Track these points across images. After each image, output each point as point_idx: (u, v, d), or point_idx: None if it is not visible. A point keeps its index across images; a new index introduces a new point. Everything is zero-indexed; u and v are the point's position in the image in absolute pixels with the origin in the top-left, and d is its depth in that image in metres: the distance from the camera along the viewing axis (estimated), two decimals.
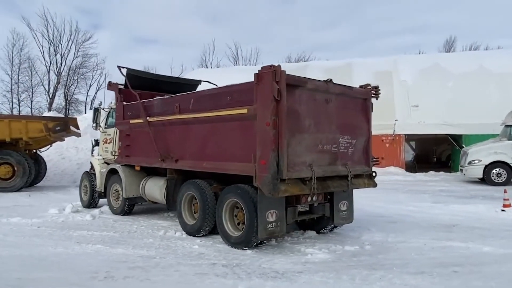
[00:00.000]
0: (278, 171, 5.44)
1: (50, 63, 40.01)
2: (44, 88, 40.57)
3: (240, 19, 65.74)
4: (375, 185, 7.01)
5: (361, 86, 6.96)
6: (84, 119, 23.31)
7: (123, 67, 9.21)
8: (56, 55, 39.67)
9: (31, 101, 40.86)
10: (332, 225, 7.08)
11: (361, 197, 12.73)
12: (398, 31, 75.22)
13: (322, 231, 7.15)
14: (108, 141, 9.93)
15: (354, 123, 6.64)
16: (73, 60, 39.59)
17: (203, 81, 10.71)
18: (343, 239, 6.77)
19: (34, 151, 16.75)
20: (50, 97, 39.79)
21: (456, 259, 5.54)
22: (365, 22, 69.08)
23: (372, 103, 6.98)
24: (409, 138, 23.45)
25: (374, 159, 6.98)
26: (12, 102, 40.41)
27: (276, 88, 5.37)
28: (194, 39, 70.42)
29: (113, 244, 6.27)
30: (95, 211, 9.38)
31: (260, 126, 5.55)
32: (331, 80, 6.23)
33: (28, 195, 13.21)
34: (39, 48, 40.04)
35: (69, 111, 39.88)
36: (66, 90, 40.13)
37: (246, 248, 5.95)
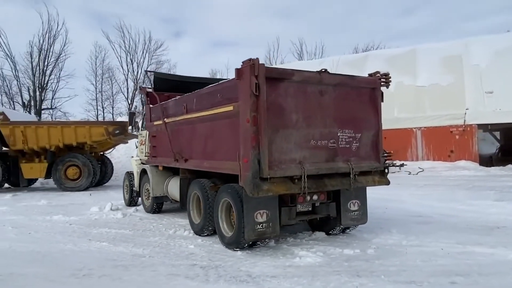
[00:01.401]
0: (259, 170, 5.19)
1: (128, 71, 43.29)
2: (124, 94, 44.09)
3: (307, 14, 64.60)
4: (387, 182, 6.37)
5: (370, 75, 6.38)
6: None
7: (150, 71, 9.57)
8: (132, 63, 42.80)
9: (112, 108, 44.68)
10: (341, 227, 6.57)
11: (413, 195, 11.85)
12: (484, 12, 67.89)
13: (331, 232, 6.69)
14: (143, 142, 10.40)
15: (358, 115, 6.09)
16: (147, 67, 42.37)
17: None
18: (350, 241, 6.27)
19: (101, 153, 18.23)
20: (129, 102, 43.18)
21: (467, 267, 4.82)
22: (444, 6, 63.59)
23: (382, 93, 6.34)
24: (492, 128, 21.08)
25: (386, 154, 6.33)
26: (97, 109, 44.55)
27: (254, 82, 5.12)
28: (260, 38, 70.92)
29: (119, 242, 6.51)
30: (132, 209, 9.89)
31: (242, 123, 5.35)
32: (325, 70, 5.79)
33: (89, 194, 14.35)
34: (117, 58, 43.56)
35: None
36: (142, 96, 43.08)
37: (237, 249, 5.79)
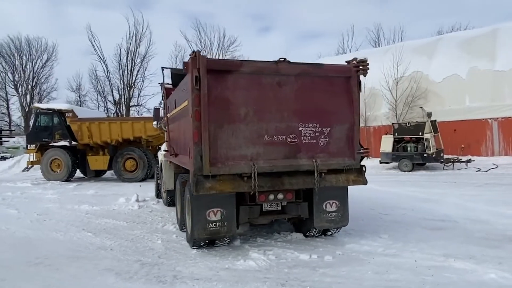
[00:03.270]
0: (202, 167, 4.99)
1: None
2: None
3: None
4: (364, 182, 5.69)
5: (347, 62, 5.73)
6: None
7: (166, 68, 9.78)
8: None
9: None
10: (314, 229, 6.04)
11: (462, 195, 10.48)
12: None
13: (308, 234, 6.19)
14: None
15: (327, 108, 5.52)
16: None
17: None
18: (321, 245, 5.76)
19: (158, 147, 19.30)
20: None
21: (417, 285, 4.09)
22: None
23: (359, 82, 5.66)
24: None
25: (361, 150, 5.63)
26: None
27: (194, 76, 4.92)
28: (334, 26, 68.51)
29: (102, 233, 6.79)
30: (153, 201, 10.30)
31: (190, 119, 5.19)
32: (284, 59, 5.34)
33: (139, 185, 15.29)
34: None
35: None
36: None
37: (194, 247, 5.66)
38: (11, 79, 46.10)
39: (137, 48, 42.44)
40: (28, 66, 46.42)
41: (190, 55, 5.09)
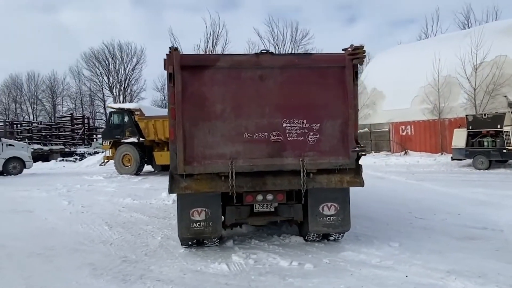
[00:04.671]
0: (177, 166, 4.90)
1: None
2: None
3: None
4: (361, 183, 5.10)
5: (343, 50, 5.17)
6: None
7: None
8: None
9: None
10: (309, 233, 5.57)
11: None
12: None
13: (307, 238, 5.74)
14: None
15: (316, 102, 5.04)
16: None
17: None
18: (316, 251, 5.33)
19: None
20: None
21: None
22: None
23: (356, 72, 5.05)
24: None
25: (357, 148, 5.03)
26: None
27: (168, 72, 4.83)
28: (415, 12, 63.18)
29: (117, 228, 7.05)
30: None
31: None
32: (267, 51, 4.99)
33: None
34: None
35: None
36: None
37: (184, 246, 5.58)
38: (107, 81, 50.96)
39: (214, 48, 43.90)
40: (120, 70, 50.91)
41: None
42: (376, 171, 16.46)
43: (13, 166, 20.63)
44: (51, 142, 36.56)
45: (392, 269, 4.51)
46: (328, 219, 5.35)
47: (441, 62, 19.19)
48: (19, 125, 37.08)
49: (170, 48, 4.90)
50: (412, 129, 20.67)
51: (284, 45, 42.14)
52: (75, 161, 31.48)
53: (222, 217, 5.37)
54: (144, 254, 5.40)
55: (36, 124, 38.69)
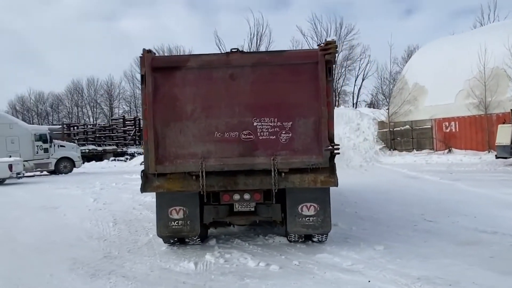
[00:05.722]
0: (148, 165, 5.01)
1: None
2: None
3: None
4: (335, 183, 4.88)
5: (319, 45, 5.01)
6: None
7: None
8: None
9: None
10: (290, 234, 5.43)
11: None
12: None
13: (289, 238, 5.61)
14: None
15: (288, 99, 4.92)
16: (338, 55, 42.18)
17: None
18: (294, 252, 5.22)
19: None
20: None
21: None
22: None
23: (330, 68, 4.86)
24: None
25: (329, 146, 4.82)
26: None
27: (141, 74, 4.97)
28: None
29: (122, 225, 7.32)
30: None
31: None
32: (237, 49, 4.95)
33: None
34: None
35: (338, 102, 42.80)
36: (335, 83, 43.41)
37: (166, 244, 5.69)
38: None
39: (258, 48, 44.06)
40: None
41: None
42: (412, 171, 15.68)
43: (64, 166, 22.20)
44: (105, 143, 38.78)
45: (358, 274, 4.29)
46: (308, 219, 5.19)
47: (488, 53, 17.80)
48: (75, 127, 39.73)
49: (143, 50, 5.03)
50: (457, 126, 19.39)
51: None
52: (125, 161, 33.18)
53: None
54: (128, 250, 5.59)
55: (91, 126, 41.25)
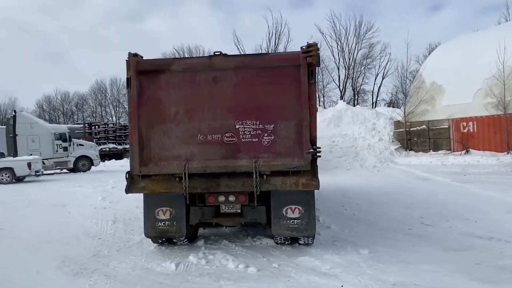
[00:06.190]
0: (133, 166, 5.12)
1: (339, 60, 43.54)
2: (335, 83, 44.61)
3: None
4: (316, 186, 4.85)
5: (302, 48, 4.99)
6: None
7: None
8: (343, 51, 42.80)
9: (323, 96, 45.75)
10: (277, 237, 5.44)
11: None
12: None
13: (275, 240, 5.61)
14: None
15: (270, 102, 4.93)
16: (357, 53, 41.58)
17: None
18: (278, 254, 5.26)
19: None
20: (341, 90, 43.52)
21: None
22: None
23: (312, 70, 4.84)
24: None
25: (311, 149, 4.79)
26: (318, 100, 46.96)
27: (127, 78, 5.08)
28: None
29: (121, 224, 7.48)
30: None
31: None
32: (220, 53, 4.99)
33: None
34: (329, 48, 43.97)
35: (357, 101, 42.18)
36: (354, 82, 42.69)
37: (155, 243, 5.79)
38: None
39: (276, 47, 43.94)
40: None
41: None
42: (425, 172, 15.33)
43: (82, 164, 22.78)
44: (125, 141, 39.55)
45: (334, 278, 4.27)
46: (292, 222, 5.20)
47: (508, 50, 17.19)
48: (96, 127, 40.67)
49: (128, 54, 5.13)
50: (475, 126, 18.80)
51: (347, 39, 40.81)
52: None
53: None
54: (118, 249, 5.73)
55: (111, 125, 42.12)
